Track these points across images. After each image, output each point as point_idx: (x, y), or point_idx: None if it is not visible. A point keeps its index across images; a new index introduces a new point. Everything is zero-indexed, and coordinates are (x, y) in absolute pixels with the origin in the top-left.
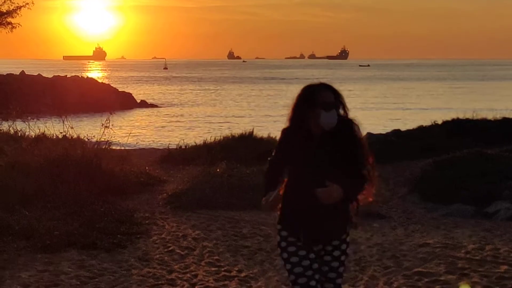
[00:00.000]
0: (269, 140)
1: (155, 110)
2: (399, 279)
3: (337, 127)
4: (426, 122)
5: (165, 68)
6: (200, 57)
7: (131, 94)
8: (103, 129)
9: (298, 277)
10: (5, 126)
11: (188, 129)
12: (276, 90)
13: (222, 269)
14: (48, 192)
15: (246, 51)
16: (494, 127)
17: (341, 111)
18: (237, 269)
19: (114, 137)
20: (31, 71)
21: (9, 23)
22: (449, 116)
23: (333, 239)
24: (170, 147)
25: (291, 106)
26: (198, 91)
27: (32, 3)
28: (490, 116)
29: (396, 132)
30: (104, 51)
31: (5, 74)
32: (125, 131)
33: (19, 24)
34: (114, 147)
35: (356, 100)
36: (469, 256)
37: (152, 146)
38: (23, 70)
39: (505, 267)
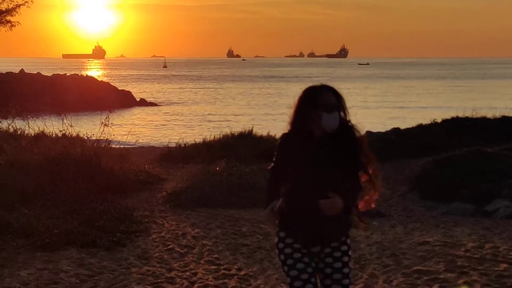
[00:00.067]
0: (268, 139)
1: (154, 108)
2: (399, 277)
3: (338, 129)
4: (426, 120)
5: (165, 67)
6: (199, 56)
7: (130, 92)
8: (103, 127)
9: (294, 281)
10: (4, 124)
11: (188, 127)
12: (276, 88)
13: (222, 267)
14: (47, 191)
15: (246, 50)
16: (494, 125)
17: (341, 114)
18: (236, 267)
19: (113, 135)
20: (30, 69)
21: (9, 21)
22: (449, 114)
23: (332, 241)
24: (169, 146)
25: (292, 109)
26: (198, 89)
27: (31, 1)
28: (489, 114)
29: (396, 130)
30: (103, 50)
31: (4, 72)
32: (125, 130)
33: (18, 22)
34: (113, 146)
35: (355, 99)
36: (469, 254)
37: (152, 145)
38: (22, 69)
39: (505, 265)
